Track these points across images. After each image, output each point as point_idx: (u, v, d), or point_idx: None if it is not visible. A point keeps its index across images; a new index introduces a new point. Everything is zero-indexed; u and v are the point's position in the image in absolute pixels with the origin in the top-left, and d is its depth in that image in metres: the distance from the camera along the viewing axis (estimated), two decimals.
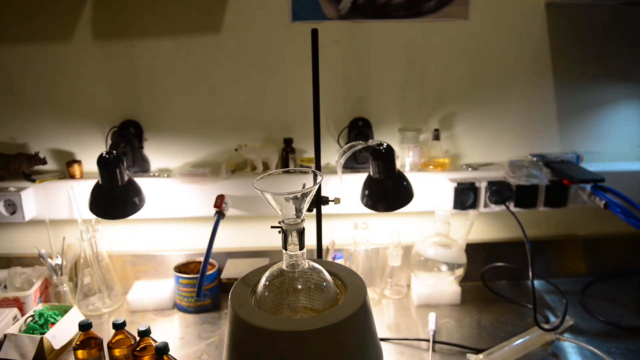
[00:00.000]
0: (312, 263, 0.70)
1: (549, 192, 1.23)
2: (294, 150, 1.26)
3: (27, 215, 1.18)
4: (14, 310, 1.08)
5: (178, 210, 1.24)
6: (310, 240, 0.87)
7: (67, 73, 1.21)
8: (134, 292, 1.24)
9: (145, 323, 1.16)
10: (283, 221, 0.67)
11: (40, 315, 1.05)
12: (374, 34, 1.22)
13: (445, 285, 1.23)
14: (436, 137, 1.26)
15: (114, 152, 1.09)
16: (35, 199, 1.21)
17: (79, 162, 1.23)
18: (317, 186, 0.65)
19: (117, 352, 0.90)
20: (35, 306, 1.12)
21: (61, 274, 1.18)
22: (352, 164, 1.28)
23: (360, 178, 1.16)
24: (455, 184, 1.22)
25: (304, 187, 0.64)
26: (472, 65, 1.26)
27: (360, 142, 1.06)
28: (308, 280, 0.67)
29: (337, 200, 1.04)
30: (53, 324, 1.04)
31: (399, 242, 1.23)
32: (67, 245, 1.22)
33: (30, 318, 1.05)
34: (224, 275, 1.23)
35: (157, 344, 0.84)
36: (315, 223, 0.99)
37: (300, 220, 0.66)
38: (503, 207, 1.22)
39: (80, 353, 0.90)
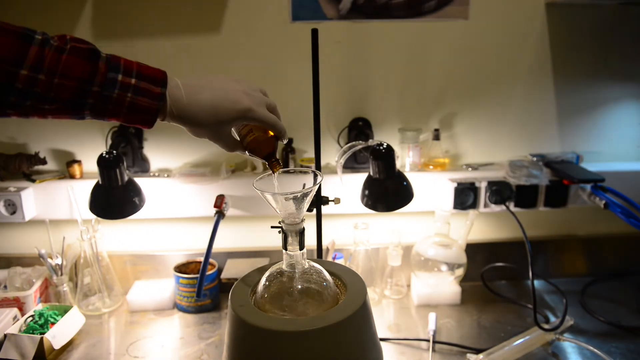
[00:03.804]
0: (312, 263, 0.70)
1: (549, 192, 1.23)
2: (294, 150, 1.26)
3: (27, 215, 1.18)
4: (14, 310, 1.08)
5: (178, 210, 1.24)
6: (310, 240, 0.87)
7: None
8: (134, 292, 1.24)
9: (145, 323, 1.16)
10: (283, 221, 0.67)
11: (40, 315, 1.05)
12: (374, 34, 1.22)
13: (445, 285, 1.23)
14: (436, 137, 1.26)
15: (114, 152, 1.09)
16: (35, 199, 1.21)
17: (79, 162, 1.23)
18: (317, 186, 0.65)
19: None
20: (35, 306, 1.12)
21: (61, 274, 1.18)
22: (352, 164, 1.28)
23: (360, 178, 1.16)
24: (455, 184, 1.22)
25: (304, 187, 0.64)
26: (472, 65, 1.26)
27: (360, 142, 1.06)
28: (308, 280, 0.67)
29: (337, 200, 1.04)
30: (53, 324, 1.04)
31: (399, 242, 1.23)
32: (67, 245, 1.22)
33: (30, 318, 1.05)
34: (224, 275, 1.23)
35: None
36: (315, 223, 0.99)
37: (300, 220, 0.66)
38: (503, 207, 1.22)
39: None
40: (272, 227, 0.71)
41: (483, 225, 1.36)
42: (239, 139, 0.70)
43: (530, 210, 1.24)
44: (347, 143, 1.10)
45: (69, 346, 1.06)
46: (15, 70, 0.53)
